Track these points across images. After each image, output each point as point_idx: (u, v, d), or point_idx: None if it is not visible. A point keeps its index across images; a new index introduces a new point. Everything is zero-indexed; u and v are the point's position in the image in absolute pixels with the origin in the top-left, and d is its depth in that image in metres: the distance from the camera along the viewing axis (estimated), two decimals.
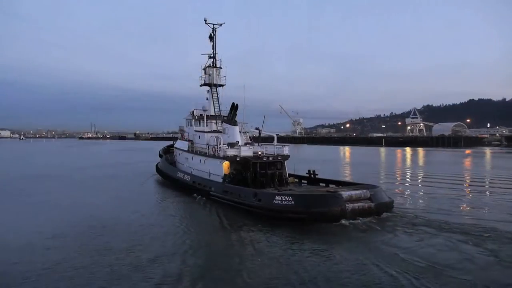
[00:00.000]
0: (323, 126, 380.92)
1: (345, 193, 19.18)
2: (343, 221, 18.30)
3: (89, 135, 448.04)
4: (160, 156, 42.05)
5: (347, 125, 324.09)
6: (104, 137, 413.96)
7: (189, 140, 34.31)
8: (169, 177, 34.20)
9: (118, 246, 14.91)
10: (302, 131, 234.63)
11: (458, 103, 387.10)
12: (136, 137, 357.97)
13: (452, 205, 23.49)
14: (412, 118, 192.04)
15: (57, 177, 39.41)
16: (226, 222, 19.38)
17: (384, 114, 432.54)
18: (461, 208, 22.76)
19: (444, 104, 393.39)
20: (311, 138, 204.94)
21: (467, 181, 36.86)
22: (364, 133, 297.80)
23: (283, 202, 19.15)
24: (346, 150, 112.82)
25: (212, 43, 34.86)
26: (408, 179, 38.79)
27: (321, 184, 27.18)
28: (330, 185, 26.19)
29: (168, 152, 42.02)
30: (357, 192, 19.68)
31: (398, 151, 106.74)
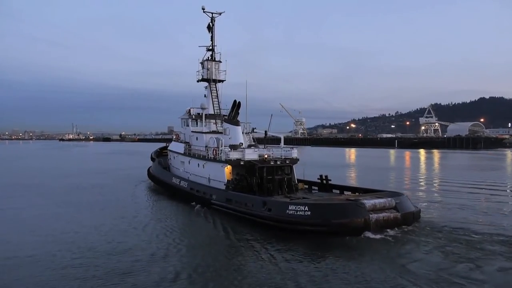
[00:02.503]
0: (323, 126, 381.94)
1: (368, 202, 18.24)
2: (368, 234, 17.34)
3: (71, 136, 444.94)
4: (152, 159, 40.87)
5: (352, 125, 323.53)
6: (87, 139, 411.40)
7: (185, 142, 33.18)
8: (163, 183, 33.08)
9: (110, 269, 13.66)
10: (305, 131, 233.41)
11: (468, 101, 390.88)
12: (122, 138, 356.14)
13: (485, 215, 22.71)
14: (427, 117, 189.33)
15: (36, 188, 36.04)
16: (232, 236, 18.39)
17: (389, 114, 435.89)
18: (492, 218, 21.85)
19: (453, 103, 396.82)
20: (314, 139, 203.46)
21: (498, 187, 35.62)
22: (368, 133, 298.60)
23: (298, 213, 18.15)
24: (356, 153, 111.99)
25: (210, 34, 33.89)
26: (430, 185, 37.86)
27: (334, 190, 26.28)
28: (345, 192, 25.31)
29: (161, 155, 40.85)
30: (381, 200, 18.74)
31: (413, 153, 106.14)
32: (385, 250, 15.68)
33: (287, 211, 18.56)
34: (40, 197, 30.33)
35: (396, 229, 18.17)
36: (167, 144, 41.09)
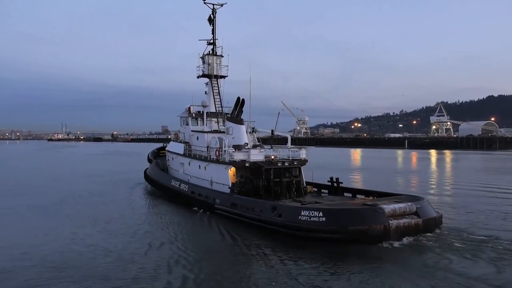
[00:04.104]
0: (325, 126, 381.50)
1: (387, 207, 17.65)
2: (388, 242, 16.76)
3: (60, 136, 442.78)
4: (149, 160, 40.12)
5: (356, 124, 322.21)
6: (77, 139, 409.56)
7: (184, 142, 32.50)
8: (161, 186, 32.46)
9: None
10: (308, 131, 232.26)
11: (476, 99, 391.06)
12: (114, 138, 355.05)
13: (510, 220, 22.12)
14: (438, 116, 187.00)
15: (26, 196, 32.16)
16: (241, 244, 17.78)
17: (394, 112, 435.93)
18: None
19: (460, 101, 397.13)
20: (318, 139, 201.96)
21: None
22: (371, 133, 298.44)
23: (312, 219, 17.53)
24: (364, 154, 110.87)
25: (211, 27, 33.26)
26: (448, 189, 37.19)
27: (345, 194, 25.67)
28: (358, 196, 24.75)
29: (158, 156, 40.14)
30: (401, 205, 18.17)
31: (425, 154, 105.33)
32: (408, 260, 15.16)
33: (300, 217, 17.94)
34: (31, 207, 26.98)
35: (418, 236, 17.66)
36: (165, 144, 40.42)
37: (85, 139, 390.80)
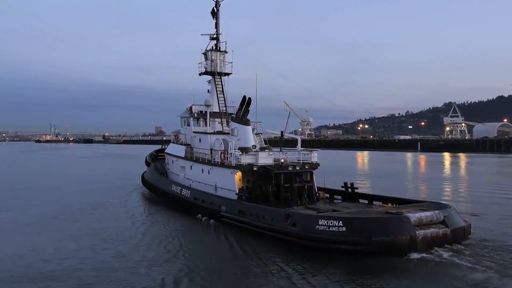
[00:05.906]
0: (327, 127, 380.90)
1: (413, 216, 17.01)
2: (414, 255, 16.06)
3: (48, 137, 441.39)
4: (147, 164, 39.33)
5: (364, 126, 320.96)
6: (67, 140, 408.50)
7: (186, 144, 31.80)
8: (161, 191, 31.85)
9: None
10: (312, 132, 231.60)
11: (484, 100, 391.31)
12: (105, 140, 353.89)
13: None
14: (452, 116, 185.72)
15: (18, 209, 28.57)
16: (253, 256, 17.14)
17: (399, 113, 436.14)
18: None
19: (469, 102, 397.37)
20: (323, 140, 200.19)
21: None
22: (376, 134, 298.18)
23: (331, 228, 16.87)
24: (373, 157, 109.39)
25: (215, 21, 32.65)
26: (471, 195, 36.48)
27: (361, 200, 25.02)
28: (375, 202, 24.13)
29: (156, 159, 39.38)
30: (428, 214, 17.56)
31: (440, 157, 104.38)
32: (437, 273, 14.62)
33: (317, 226, 17.29)
34: (24, 222, 24.45)
35: (446, 247, 16.97)
36: (164, 146, 39.72)
37: (75, 141, 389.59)
